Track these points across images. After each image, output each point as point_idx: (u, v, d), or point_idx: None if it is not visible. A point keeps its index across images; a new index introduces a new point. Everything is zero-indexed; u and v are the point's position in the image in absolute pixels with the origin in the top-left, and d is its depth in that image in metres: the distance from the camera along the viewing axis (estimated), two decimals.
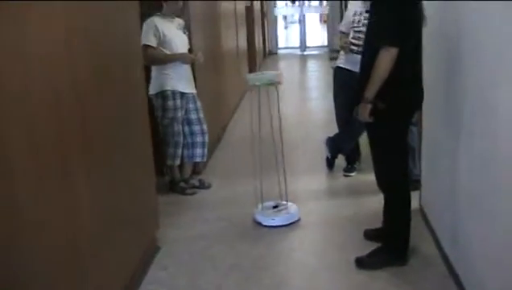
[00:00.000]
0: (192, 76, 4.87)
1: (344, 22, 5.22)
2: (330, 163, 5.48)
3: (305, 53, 18.60)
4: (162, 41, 4.58)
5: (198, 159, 5.03)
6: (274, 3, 20.21)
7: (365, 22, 4.73)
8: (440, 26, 3.43)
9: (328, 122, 6.52)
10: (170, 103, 4.65)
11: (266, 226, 4.14)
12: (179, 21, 4.86)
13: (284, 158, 4.45)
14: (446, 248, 3.43)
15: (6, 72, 1.84)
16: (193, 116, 4.88)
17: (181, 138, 4.80)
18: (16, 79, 1.90)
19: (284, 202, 4.35)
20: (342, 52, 5.15)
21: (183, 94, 4.73)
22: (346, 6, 11.76)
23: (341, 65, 5.11)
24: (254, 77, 4.42)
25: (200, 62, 4.91)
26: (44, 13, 2.16)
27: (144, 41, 4.38)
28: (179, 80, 4.70)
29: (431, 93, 3.45)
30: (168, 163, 4.83)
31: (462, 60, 3.01)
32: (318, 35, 24.17)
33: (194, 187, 5.03)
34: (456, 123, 3.14)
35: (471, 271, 2.92)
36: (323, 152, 5.48)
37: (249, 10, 12.07)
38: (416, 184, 4.18)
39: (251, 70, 11.51)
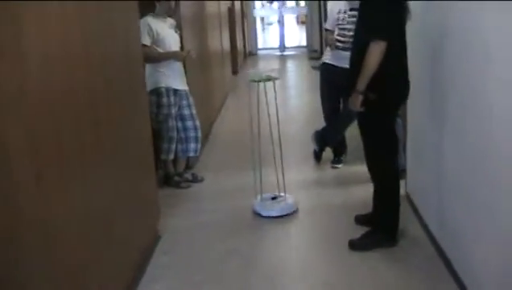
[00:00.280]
0: (184, 74, 5.05)
1: (329, 20, 5.43)
2: (317, 156, 5.70)
3: (284, 53, 18.82)
4: (155, 40, 4.74)
5: (191, 154, 5.20)
6: (253, 4, 20.39)
7: (350, 20, 4.99)
8: (425, 22, 3.65)
9: (312, 118, 6.73)
10: (164, 100, 4.82)
11: (264, 217, 4.31)
12: (171, 20, 5.03)
13: (282, 152, 4.64)
14: (433, 230, 3.66)
15: (8, 72, 1.84)
16: (186, 112, 5.06)
17: (175, 134, 4.97)
18: (17, 77, 1.90)
19: (282, 194, 4.53)
20: (328, 49, 5.36)
21: (176, 91, 4.90)
22: (325, 7, 12.05)
23: (327, 61, 5.33)
24: (254, 74, 4.61)
25: (192, 58, 5.09)
26: (49, 13, 2.20)
27: None
28: (173, 77, 4.87)
29: (417, 86, 3.66)
30: (163, 157, 5.00)
31: (445, 54, 3.24)
32: (295, 36, 24.47)
33: (188, 181, 5.21)
34: (440, 113, 3.38)
35: (457, 248, 3.15)
36: (310, 146, 5.69)
37: (231, 12, 12.25)
38: (402, 173, 4.40)
39: (234, 70, 11.70)
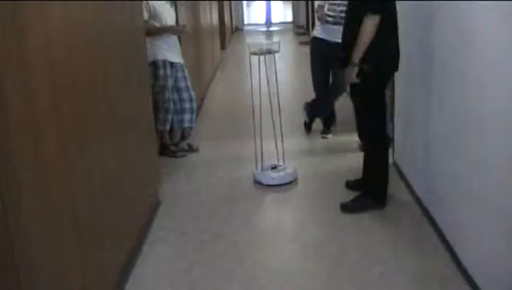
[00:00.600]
0: (179, 47, 5.22)
1: None
2: (308, 127, 5.93)
3: (270, 29, 18.94)
4: (153, 15, 4.88)
5: (187, 125, 5.39)
6: None
7: None
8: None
9: (302, 90, 6.93)
10: (161, 72, 4.98)
11: (264, 185, 4.48)
12: None
13: (281, 122, 4.84)
14: (419, 193, 3.90)
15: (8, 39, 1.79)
16: (182, 84, 5.23)
17: (171, 105, 5.14)
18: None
19: (281, 163, 4.73)
20: (318, 23, 5.55)
21: (172, 64, 5.07)
22: None
23: (318, 35, 5.51)
24: (255, 46, 4.69)
25: (188, 33, 5.25)
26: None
27: None
28: (169, 50, 5.04)
29: (405, 58, 3.86)
30: (159, 127, 5.16)
31: (434, 27, 3.45)
32: (280, 12, 24.56)
33: (183, 150, 5.41)
34: (427, 84, 3.59)
35: (441, 209, 3.40)
36: (300, 117, 5.90)
37: None
38: (389, 142, 4.63)
39: (222, 45, 11.85)
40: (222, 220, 3.89)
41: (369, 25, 3.44)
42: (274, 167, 4.65)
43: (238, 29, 18.69)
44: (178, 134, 5.43)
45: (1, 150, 1.72)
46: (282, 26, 19.60)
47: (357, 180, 4.19)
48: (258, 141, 4.71)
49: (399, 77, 4.32)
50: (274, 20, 20.23)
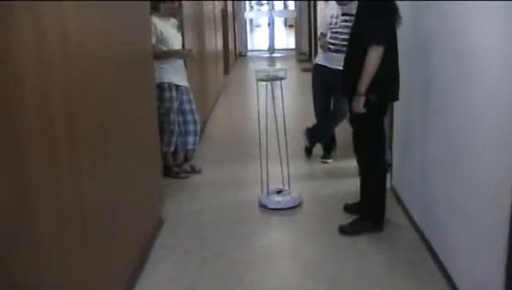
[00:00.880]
0: (185, 71, 5.37)
1: (322, 24, 5.78)
2: (309, 152, 6.06)
3: (273, 55, 19.15)
4: (159, 39, 5.03)
5: (190, 147, 5.51)
6: (244, 6, 20.71)
7: (342, 24, 5.34)
8: (413, 27, 3.99)
9: (304, 116, 7.04)
10: (166, 94, 5.12)
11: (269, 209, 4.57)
12: (174, 20, 5.35)
13: (285, 147, 4.93)
14: (416, 217, 4.00)
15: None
16: (187, 106, 5.37)
17: (176, 127, 5.27)
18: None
19: (286, 187, 4.82)
20: (321, 51, 5.70)
21: (178, 87, 5.21)
22: (315, 10, 12.40)
23: (320, 62, 5.67)
24: (262, 73, 4.82)
25: (194, 57, 5.40)
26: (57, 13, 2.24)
27: None
28: (175, 74, 5.18)
29: (404, 87, 3.99)
30: (163, 149, 5.29)
31: (432, 57, 3.59)
32: (283, 39, 24.88)
33: (186, 172, 5.53)
34: (425, 113, 3.72)
35: (436, 230, 3.51)
36: (301, 142, 6.02)
37: (224, 13, 12.58)
38: (387, 168, 4.74)
39: (226, 70, 12.02)
40: (224, 239, 3.99)
41: (374, 56, 3.54)
42: (279, 192, 4.74)
43: (242, 54, 18.92)
44: (181, 156, 5.55)
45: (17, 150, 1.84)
46: (285, 52, 19.82)
47: (355, 204, 4.30)
48: (263, 164, 4.81)
49: (398, 104, 4.44)
50: (277, 46, 20.46)
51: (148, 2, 4.15)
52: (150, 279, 3.44)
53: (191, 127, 5.42)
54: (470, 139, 2.87)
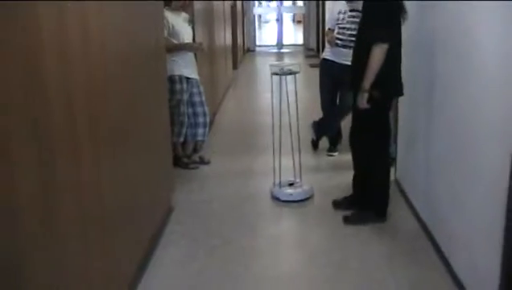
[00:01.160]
0: (195, 64, 5.49)
1: (330, 19, 5.90)
2: (315, 145, 6.18)
3: (281, 51, 19.26)
4: (171, 32, 5.15)
5: (200, 138, 5.64)
6: (253, 3, 20.80)
7: (349, 20, 5.45)
8: (419, 23, 4.09)
9: (310, 110, 7.15)
10: (177, 86, 5.24)
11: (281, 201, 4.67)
12: (185, 15, 5.47)
13: (300, 141, 5.07)
14: (418, 208, 4.12)
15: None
16: (197, 99, 5.50)
17: (186, 118, 5.40)
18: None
19: (298, 180, 4.92)
20: (328, 46, 5.81)
21: (188, 79, 5.34)
22: (324, 7, 12.49)
23: (327, 57, 5.79)
24: (276, 67, 4.91)
25: (204, 51, 5.52)
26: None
27: None
28: (186, 66, 5.30)
29: (408, 82, 4.10)
30: (173, 139, 5.41)
31: (436, 53, 3.69)
32: (291, 35, 24.96)
33: (195, 162, 5.66)
34: (429, 108, 3.83)
35: (438, 221, 3.62)
36: (308, 135, 6.14)
37: (233, 9, 12.69)
38: (392, 161, 4.85)
39: (234, 65, 12.14)
40: (232, 228, 4.12)
41: (378, 53, 3.64)
42: (291, 184, 4.84)
43: (250, 50, 19.02)
44: (191, 147, 5.68)
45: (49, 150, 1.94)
46: (293, 48, 19.93)
47: (345, 198, 4.40)
48: (276, 157, 4.91)
49: (403, 100, 4.56)
50: (285, 42, 20.55)
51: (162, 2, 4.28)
52: (161, 263, 3.57)
53: (200, 119, 5.55)
54: (472, 136, 2.98)
